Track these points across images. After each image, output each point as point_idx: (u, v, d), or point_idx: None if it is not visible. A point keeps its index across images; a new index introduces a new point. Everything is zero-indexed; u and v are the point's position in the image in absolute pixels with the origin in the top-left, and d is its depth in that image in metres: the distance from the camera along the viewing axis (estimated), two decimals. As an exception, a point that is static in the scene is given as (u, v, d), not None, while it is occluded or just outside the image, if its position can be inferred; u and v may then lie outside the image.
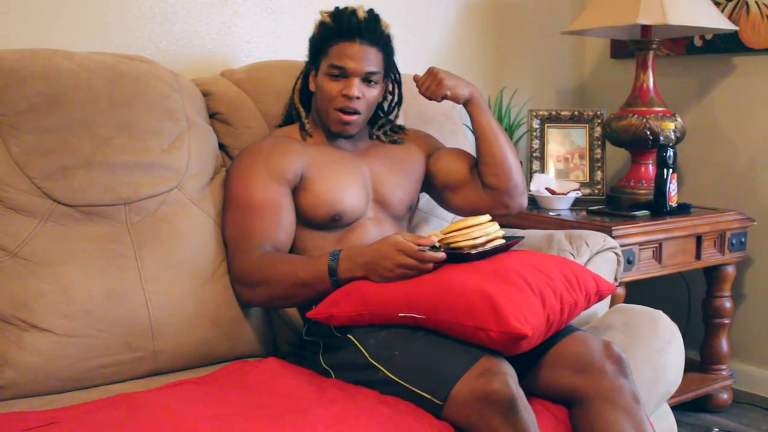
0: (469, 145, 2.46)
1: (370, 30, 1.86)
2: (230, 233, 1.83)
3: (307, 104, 1.98)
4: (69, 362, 1.62)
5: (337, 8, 1.90)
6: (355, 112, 1.87)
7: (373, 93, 1.89)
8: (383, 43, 1.89)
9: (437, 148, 2.10)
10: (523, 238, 1.79)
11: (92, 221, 1.71)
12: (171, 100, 1.87)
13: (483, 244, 1.65)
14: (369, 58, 1.85)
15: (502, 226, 1.75)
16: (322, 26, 1.88)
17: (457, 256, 1.62)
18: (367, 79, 1.86)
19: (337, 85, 1.85)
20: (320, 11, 1.92)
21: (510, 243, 1.73)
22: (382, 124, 2.03)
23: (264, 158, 1.84)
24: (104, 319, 1.65)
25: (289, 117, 2.02)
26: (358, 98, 1.85)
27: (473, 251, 1.63)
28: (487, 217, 1.70)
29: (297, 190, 1.85)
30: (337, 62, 1.84)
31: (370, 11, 1.89)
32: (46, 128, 1.68)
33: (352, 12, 1.86)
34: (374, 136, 2.04)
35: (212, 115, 2.04)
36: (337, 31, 1.85)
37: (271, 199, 1.81)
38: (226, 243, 1.85)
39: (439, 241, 1.66)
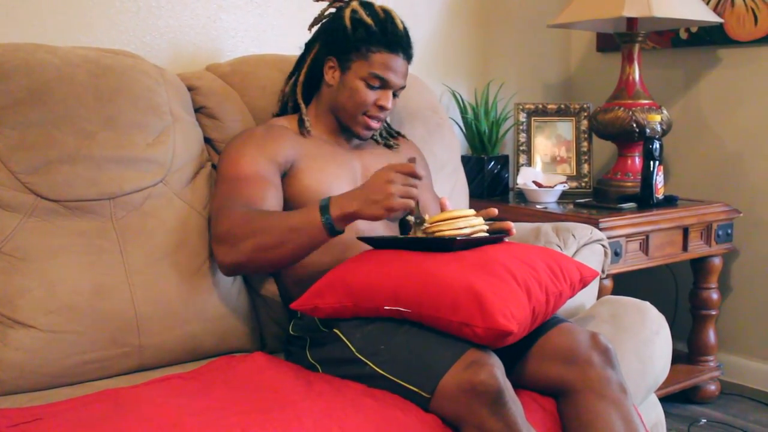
0: (454, 138, 2.47)
1: (409, 45, 1.89)
2: (215, 203, 1.79)
3: (306, 94, 1.97)
4: (54, 358, 1.61)
5: (370, 6, 1.89)
6: (381, 120, 1.91)
7: (395, 103, 1.93)
8: (412, 57, 1.92)
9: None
10: (507, 234, 1.77)
11: (77, 216, 1.70)
12: (156, 95, 1.86)
13: (467, 235, 1.64)
14: (405, 73, 1.90)
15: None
16: (361, 25, 1.84)
17: (442, 242, 1.62)
18: (395, 92, 1.90)
19: (374, 94, 1.86)
20: (353, 5, 1.89)
21: (494, 236, 1.72)
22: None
23: (257, 140, 1.84)
24: (89, 315, 1.64)
25: (285, 107, 2.02)
26: (389, 109, 1.89)
27: (458, 238, 1.62)
28: (472, 211, 1.69)
29: (286, 178, 1.84)
30: (382, 73, 1.84)
31: (401, 21, 1.89)
32: (29, 123, 1.67)
33: (392, 20, 1.86)
34: (372, 136, 2.04)
35: (198, 110, 2.03)
36: (381, 39, 1.83)
37: (260, 173, 1.79)
38: (210, 214, 1.80)
39: (423, 231, 1.66)
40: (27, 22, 2.04)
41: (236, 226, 1.68)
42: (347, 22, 1.86)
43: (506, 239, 1.77)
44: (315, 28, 2.00)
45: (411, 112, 2.33)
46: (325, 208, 1.62)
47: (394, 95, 1.90)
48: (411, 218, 1.73)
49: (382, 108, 1.87)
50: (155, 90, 1.87)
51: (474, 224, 1.65)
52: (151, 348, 1.71)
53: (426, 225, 1.66)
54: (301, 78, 1.97)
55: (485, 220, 1.73)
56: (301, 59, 2.00)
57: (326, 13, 1.98)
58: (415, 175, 1.59)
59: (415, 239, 1.66)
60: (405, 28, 1.89)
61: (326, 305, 1.61)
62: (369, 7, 1.89)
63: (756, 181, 2.85)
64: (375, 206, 1.58)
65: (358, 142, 2.01)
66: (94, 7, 2.13)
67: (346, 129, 1.93)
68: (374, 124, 1.90)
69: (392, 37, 1.84)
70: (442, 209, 1.79)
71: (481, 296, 1.46)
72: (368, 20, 1.84)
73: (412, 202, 1.60)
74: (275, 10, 2.47)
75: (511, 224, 1.77)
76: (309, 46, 1.99)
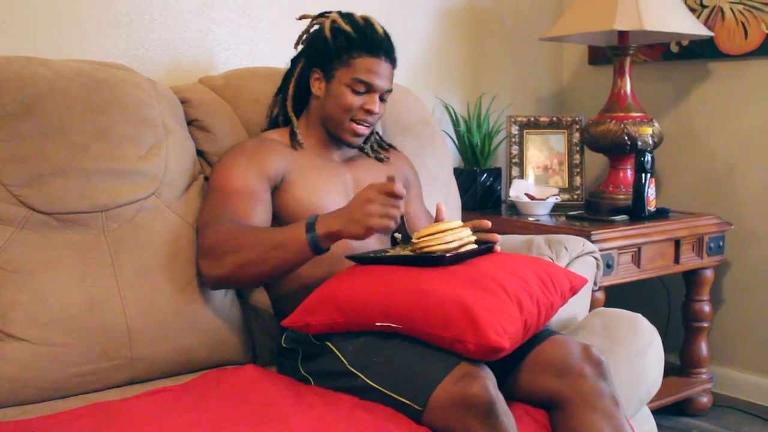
0: (446, 150, 2.47)
1: (391, 48, 1.90)
2: (202, 216, 1.79)
3: (296, 107, 1.98)
4: (46, 371, 1.60)
5: (349, 16, 1.91)
6: (369, 125, 1.90)
7: (384, 108, 1.93)
8: (396, 60, 1.93)
9: (411, 187, 2.10)
10: (494, 244, 1.77)
11: (69, 229, 1.69)
12: (148, 107, 1.86)
13: (456, 249, 1.64)
14: (390, 76, 1.90)
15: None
16: (341, 34, 1.86)
17: (432, 259, 1.62)
18: (382, 96, 1.90)
19: (359, 99, 1.87)
20: (332, 16, 1.91)
21: (483, 248, 1.72)
22: (368, 136, 2.04)
23: (248, 154, 1.84)
24: (81, 328, 1.63)
25: (275, 121, 2.02)
26: (376, 113, 1.89)
27: (448, 255, 1.62)
28: (459, 222, 1.69)
29: (277, 191, 1.85)
30: (365, 78, 1.85)
31: (382, 26, 1.91)
32: (21, 135, 1.67)
33: (372, 26, 1.88)
34: (363, 149, 2.05)
35: (190, 122, 2.03)
36: (361, 44, 1.85)
37: (249, 188, 1.79)
38: (197, 227, 1.80)
39: (411, 246, 1.66)
40: (20, 35, 2.04)
41: (221, 241, 1.68)
42: (327, 32, 1.88)
43: (495, 247, 1.77)
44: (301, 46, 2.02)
45: (403, 124, 2.33)
46: (311, 225, 1.62)
47: (382, 100, 1.91)
48: (398, 235, 1.74)
49: (369, 112, 1.88)
50: (148, 103, 1.87)
51: (461, 236, 1.65)
52: (143, 361, 1.71)
53: (413, 241, 1.66)
54: (290, 92, 1.97)
55: (474, 231, 1.74)
56: (288, 75, 2.01)
57: (311, 30, 1.99)
58: (395, 195, 1.57)
59: (403, 257, 1.66)
60: (386, 33, 1.90)
61: (318, 322, 1.61)
62: (348, 17, 1.91)
63: (747, 193, 2.86)
64: (355, 225, 1.58)
65: (349, 155, 2.01)
66: (87, 20, 2.14)
67: (336, 139, 1.93)
68: (362, 129, 1.90)
69: (372, 42, 1.86)
70: (438, 214, 1.79)
71: (472, 312, 1.46)
72: (347, 28, 1.86)
73: (391, 223, 1.58)
74: (268, 24, 2.48)
75: (498, 237, 1.77)
76: (294, 61, 2.00)
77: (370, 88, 1.87)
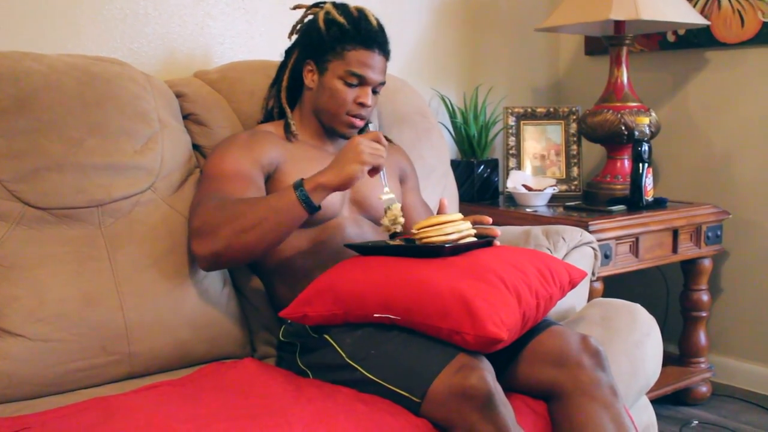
0: (443, 142, 2.47)
1: (384, 41, 1.90)
2: (194, 200, 1.78)
3: (290, 99, 1.97)
4: (43, 367, 1.60)
5: (344, 6, 1.90)
6: (363, 118, 1.91)
7: (376, 100, 1.93)
8: (389, 53, 1.93)
9: (407, 179, 2.11)
10: (494, 238, 1.77)
11: (65, 224, 1.69)
12: (143, 101, 1.86)
13: (455, 240, 1.65)
14: (383, 69, 1.90)
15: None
16: (334, 25, 1.86)
17: (431, 249, 1.62)
18: (375, 89, 1.90)
19: (352, 92, 1.87)
20: (326, 6, 1.90)
21: (482, 240, 1.72)
22: (362, 128, 2.04)
23: (242, 142, 1.85)
24: (78, 323, 1.63)
25: (270, 114, 2.02)
26: (369, 106, 1.89)
27: (447, 246, 1.62)
28: (459, 215, 1.69)
29: (270, 180, 1.84)
30: (358, 71, 1.85)
31: (375, 18, 1.90)
32: (16, 130, 1.66)
33: (366, 18, 1.88)
34: None
35: (186, 116, 2.02)
36: (355, 36, 1.84)
37: (242, 171, 1.78)
38: (189, 212, 1.79)
39: (411, 236, 1.67)
40: (13, 30, 2.03)
41: (212, 216, 1.67)
42: (321, 23, 1.88)
43: (495, 242, 1.77)
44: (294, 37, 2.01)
45: (400, 116, 2.33)
46: (298, 183, 1.64)
47: (374, 92, 1.91)
48: (386, 221, 1.75)
49: (362, 105, 1.88)
50: (143, 97, 1.86)
51: (461, 229, 1.65)
52: (141, 355, 1.70)
53: (413, 231, 1.66)
54: (284, 83, 1.97)
55: (474, 225, 1.74)
56: (282, 66, 2.00)
57: (305, 20, 1.98)
58: (379, 141, 1.66)
59: (402, 247, 1.66)
60: (380, 25, 1.90)
61: (315, 313, 1.61)
62: (342, 8, 1.90)
63: (744, 182, 2.86)
64: (347, 166, 1.62)
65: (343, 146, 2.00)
66: (81, 14, 2.13)
67: (330, 130, 1.94)
68: (357, 121, 1.90)
69: (366, 34, 1.85)
70: (441, 209, 1.79)
71: (471, 303, 1.46)
72: (341, 19, 1.86)
73: (381, 160, 1.65)
74: (263, 17, 2.47)
75: (498, 231, 1.77)
76: (288, 52, 2.00)
77: (363, 81, 1.86)
